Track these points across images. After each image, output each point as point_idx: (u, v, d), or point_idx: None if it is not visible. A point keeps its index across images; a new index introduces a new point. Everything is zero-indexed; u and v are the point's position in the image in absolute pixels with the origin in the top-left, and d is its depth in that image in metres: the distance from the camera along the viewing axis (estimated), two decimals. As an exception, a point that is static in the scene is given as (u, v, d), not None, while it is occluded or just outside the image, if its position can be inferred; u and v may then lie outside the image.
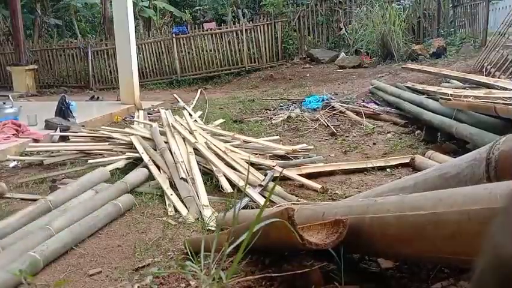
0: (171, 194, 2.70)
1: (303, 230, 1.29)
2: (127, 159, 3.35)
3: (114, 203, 2.50)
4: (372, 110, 4.94)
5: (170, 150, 3.26)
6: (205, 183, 2.85)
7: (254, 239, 1.03)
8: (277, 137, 4.18)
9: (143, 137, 3.67)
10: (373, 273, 1.52)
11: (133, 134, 3.76)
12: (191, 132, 3.62)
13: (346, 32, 10.24)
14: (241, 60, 10.37)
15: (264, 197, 2.54)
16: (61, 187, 2.71)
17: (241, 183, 2.74)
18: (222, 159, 3.09)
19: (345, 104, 5.34)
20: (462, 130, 3.12)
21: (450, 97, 3.60)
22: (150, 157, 3.24)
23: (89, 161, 3.29)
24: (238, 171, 2.94)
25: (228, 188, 2.71)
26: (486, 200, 0.89)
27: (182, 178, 2.81)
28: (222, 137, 3.80)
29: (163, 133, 3.70)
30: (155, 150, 3.39)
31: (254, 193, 2.60)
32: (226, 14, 12.20)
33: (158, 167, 3.10)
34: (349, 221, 1.28)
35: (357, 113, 4.84)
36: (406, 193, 1.41)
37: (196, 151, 3.25)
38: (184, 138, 3.47)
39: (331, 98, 5.67)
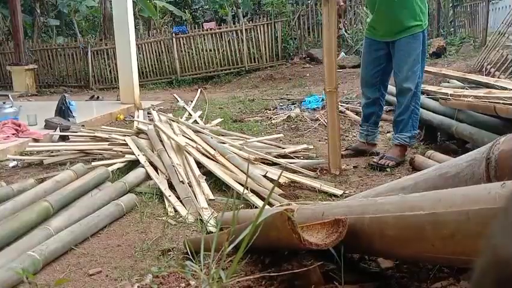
0: (169, 196, 2.70)
1: (303, 230, 1.30)
2: (128, 161, 3.35)
3: (116, 203, 2.50)
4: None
5: (167, 152, 3.26)
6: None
7: (253, 239, 1.03)
8: (281, 134, 4.18)
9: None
10: (373, 273, 1.52)
11: (129, 135, 3.76)
12: (176, 134, 3.59)
13: (346, 32, 10.24)
14: (241, 60, 10.37)
15: (263, 199, 2.54)
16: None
17: (236, 186, 2.74)
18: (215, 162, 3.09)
19: (345, 104, 5.34)
20: (462, 130, 3.12)
21: (450, 97, 3.60)
22: (148, 158, 3.23)
23: (93, 163, 3.29)
24: (234, 172, 2.95)
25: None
26: (485, 200, 0.89)
27: (180, 181, 2.82)
28: (222, 137, 3.80)
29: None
30: (153, 151, 3.39)
31: (252, 196, 2.60)
32: (226, 14, 12.20)
33: (156, 168, 3.10)
34: (349, 221, 1.28)
35: (357, 113, 4.84)
36: (406, 193, 1.41)
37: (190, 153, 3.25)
38: (172, 142, 3.45)
39: (331, 98, 5.67)
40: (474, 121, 3.08)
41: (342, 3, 3.25)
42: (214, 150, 3.24)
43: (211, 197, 2.65)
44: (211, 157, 3.16)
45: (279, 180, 2.74)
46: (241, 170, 2.93)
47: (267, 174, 2.87)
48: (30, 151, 4.02)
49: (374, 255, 1.57)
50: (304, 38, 10.73)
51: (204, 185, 2.78)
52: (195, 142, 3.45)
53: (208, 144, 3.38)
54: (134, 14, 7.51)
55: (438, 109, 3.66)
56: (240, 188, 2.69)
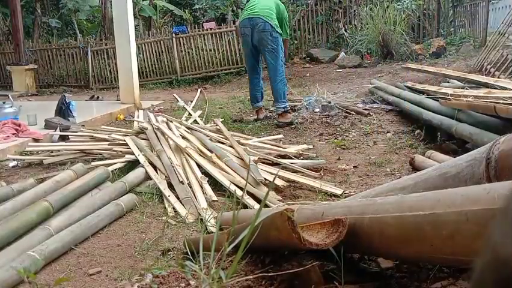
0: (169, 196, 2.70)
1: (303, 230, 1.30)
2: (128, 161, 3.35)
3: (116, 203, 2.50)
4: (372, 109, 4.94)
5: (166, 152, 3.26)
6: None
7: (253, 239, 1.04)
8: (281, 135, 4.18)
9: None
10: (373, 273, 1.52)
11: (129, 135, 3.75)
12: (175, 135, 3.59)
13: (346, 31, 10.23)
14: (241, 60, 10.36)
15: (259, 202, 2.54)
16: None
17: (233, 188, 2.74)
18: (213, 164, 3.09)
19: (345, 103, 5.33)
20: (462, 130, 3.12)
21: (450, 97, 3.60)
22: (147, 158, 3.23)
23: (93, 163, 3.29)
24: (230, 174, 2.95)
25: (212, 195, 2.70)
26: (484, 201, 0.89)
27: (180, 182, 2.81)
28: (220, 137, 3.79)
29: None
30: (152, 151, 3.39)
31: (248, 198, 2.60)
32: (227, 14, 12.19)
33: (155, 168, 3.10)
34: (348, 221, 1.28)
35: (358, 113, 4.84)
36: (406, 193, 1.41)
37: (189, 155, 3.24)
38: (170, 144, 3.44)
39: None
40: (474, 121, 3.08)
41: None
42: (211, 152, 3.23)
43: (215, 198, 2.64)
44: (209, 159, 3.16)
45: (278, 184, 2.74)
46: (238, 174, 2.92)
47: (266, 175, 2.87)
48: (30, 151, 4.02)
49: (373, 255, 1.57)
50: (304, 38, 10.72)
51: (207, 186, 2.77)
52: (192, 143, 3.45)
53: (205, 147, 3.37)
54: (134, 14, 7.50)
55: (438, 109, 3.66)
56: (238, 190, 2.68)
